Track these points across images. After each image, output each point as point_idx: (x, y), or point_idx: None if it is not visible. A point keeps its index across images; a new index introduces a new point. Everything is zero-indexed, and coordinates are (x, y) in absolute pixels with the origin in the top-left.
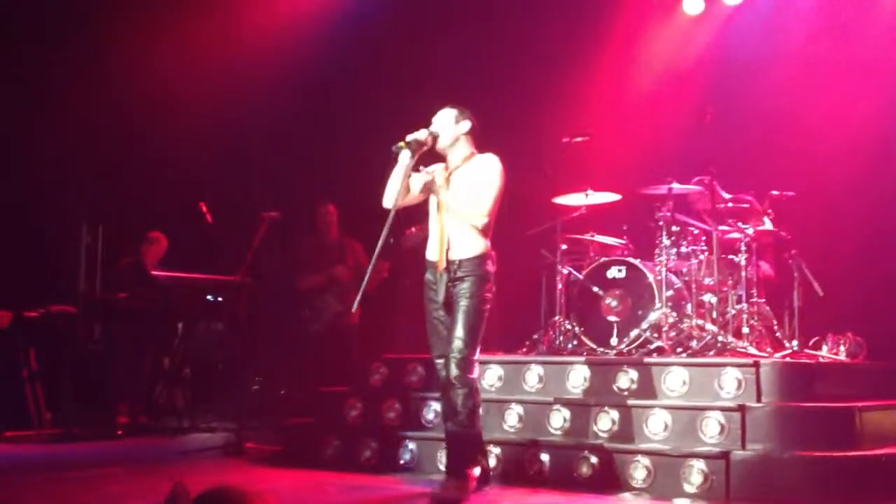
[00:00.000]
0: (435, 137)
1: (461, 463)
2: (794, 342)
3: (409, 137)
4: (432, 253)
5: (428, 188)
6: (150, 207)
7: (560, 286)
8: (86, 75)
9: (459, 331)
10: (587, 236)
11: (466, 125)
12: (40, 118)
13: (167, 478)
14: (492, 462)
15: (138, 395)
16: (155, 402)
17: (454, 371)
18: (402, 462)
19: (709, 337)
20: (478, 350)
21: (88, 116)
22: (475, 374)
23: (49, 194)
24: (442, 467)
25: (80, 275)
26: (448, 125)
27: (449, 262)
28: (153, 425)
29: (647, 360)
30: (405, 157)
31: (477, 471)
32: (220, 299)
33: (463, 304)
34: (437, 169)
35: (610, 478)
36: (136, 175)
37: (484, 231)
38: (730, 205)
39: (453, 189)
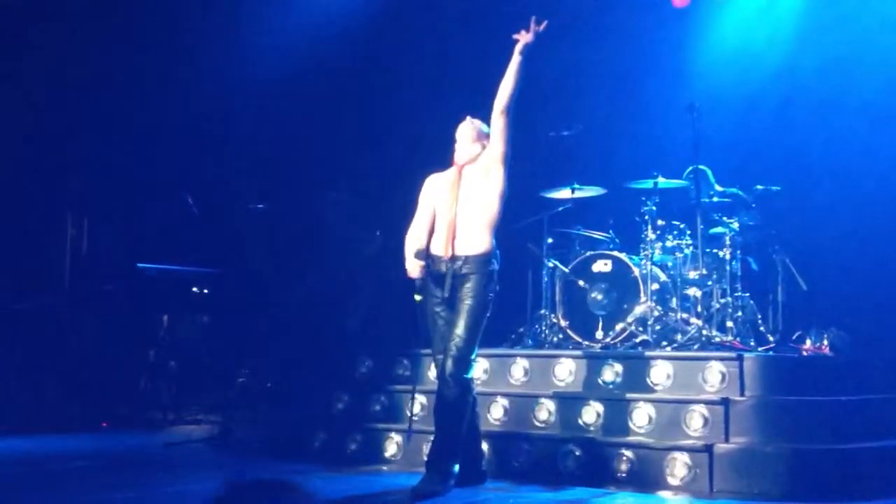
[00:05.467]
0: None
1: (443, 459)
2: (778, 336)
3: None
4: (438, 247)
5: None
6: (135, 199)
7: (546, 280)
8: (70, 67)
9: (460, 329)
10: (573, 230)
11: (486, 141)
12: (23, 110)
13: (152, 470)
14: None
15: (123, 387)
16: (140, 395)
17: (450, 369)
18: (387, 455)
19: (693, 331)
20: (475, 350)
21: (72, 108)
22: (471, 374)
23: (33, 186)
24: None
25: (65, 267)
26: (470, 139)
27: (455, 258)
28: (138, 417)
29: (632, 353)
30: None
31: (457, 467)
32: (205, 291)
33: (467, 302)
34: (445, 174)
35: (594, 470)
36: (122, 166)
37: (491, 228)
38: (715, 199)
39: (466, 186)
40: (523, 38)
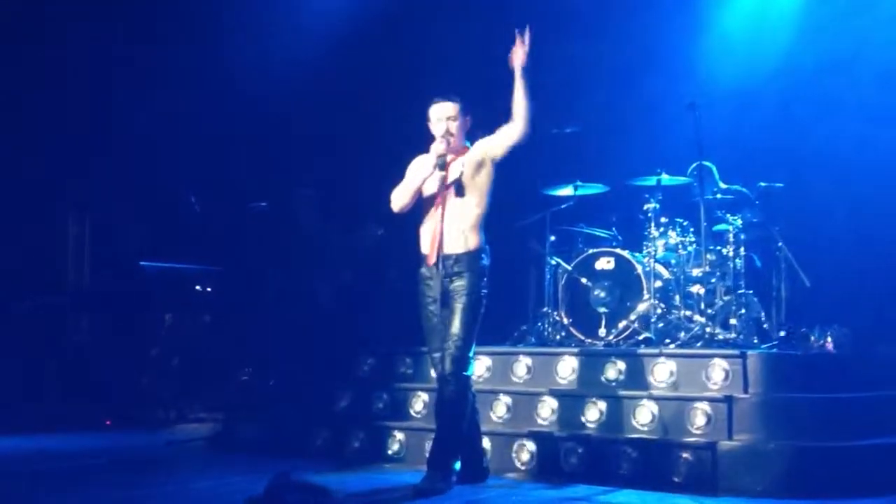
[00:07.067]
0: (450, 143)
1: (444, 457)
2: (782, 333)
3: (441, 163)
4: (427, 246)
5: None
6: (137, 197)
7: (548, 277)
8: (73, 67)
9: (456, 328)
10: (576, 228)
11: (470, 121)
12: (25, 108)
13: (155, 468)
14: None
15: (126, 385)
16: (143, 393)
17: (449, 368)
18: (390, 452)
19: (696, 328)
20: (473, 347)
21: (75, 107)
22: (471, 372)
23: (36, 185)
24: None
25: (67, 265)
26: (458, 123)
27: (445, 257)
28: (141, 416)
29: (634, 351)
30: (436, 171)
31: (458, 465)
32: (208, 290)
33: (460, 300)
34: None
35: (597, 468)
36: (124, 165)
37: (480, 224)
38: (719, 196)
39: (454, 187)
40: (518, 58)
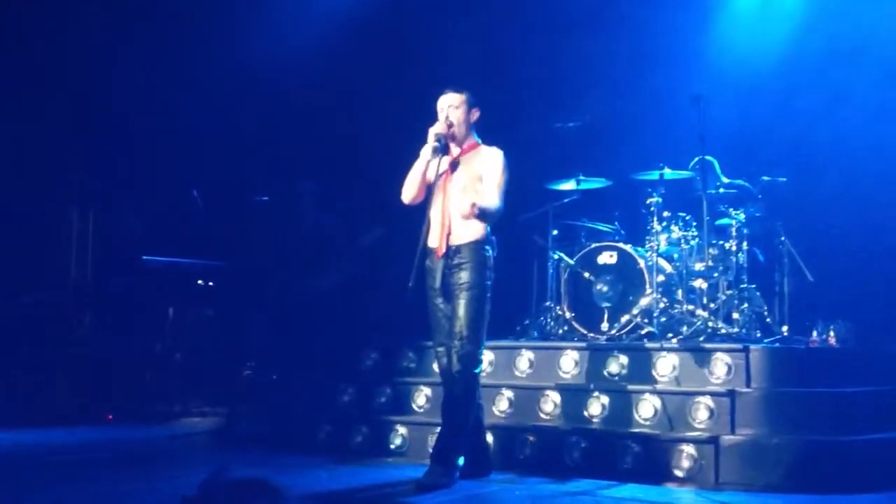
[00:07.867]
0: (450, 127)
1: (449, 452)
2: (784, 327)
3: (438, 139)
4: (433, 239)
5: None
6: (141, 192)
7: (551, 272)
8: (75, 60)
9: (461, 325)
10: (579, 222)
11: (477, 113)
12: (28, 103)
13: (158, 462)
14: None
15: (129, 380)
16: (146, 387)
17: (456, 366)
18: (392, 447)
19: (699, 322)
20: (483, 343)
21: (78, 101)
22: (479, 369)
23: (38, 180)
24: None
25: (70, 260)
26: (461, 111)
27: (448, 248)
28: (144, 410)
29: (637, 345)
30: (436, 156)
31: (461, 460)
32: (210, 284)
33: (464, 296)
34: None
35: (600, 462)
36: (126, 159)
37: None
38: (722, 190)
39: (459, 179)
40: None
